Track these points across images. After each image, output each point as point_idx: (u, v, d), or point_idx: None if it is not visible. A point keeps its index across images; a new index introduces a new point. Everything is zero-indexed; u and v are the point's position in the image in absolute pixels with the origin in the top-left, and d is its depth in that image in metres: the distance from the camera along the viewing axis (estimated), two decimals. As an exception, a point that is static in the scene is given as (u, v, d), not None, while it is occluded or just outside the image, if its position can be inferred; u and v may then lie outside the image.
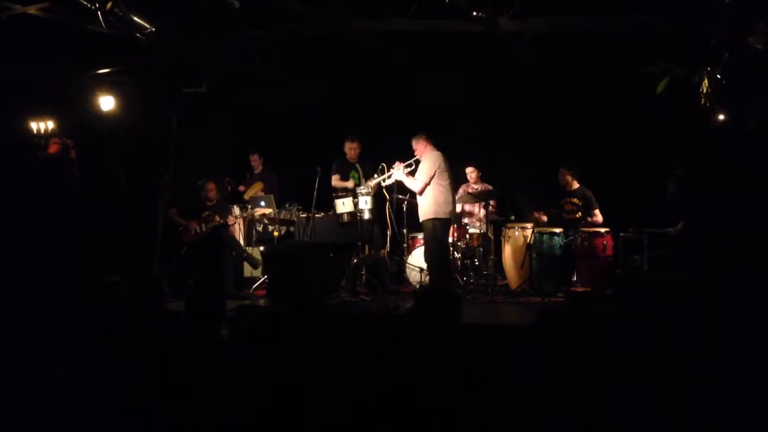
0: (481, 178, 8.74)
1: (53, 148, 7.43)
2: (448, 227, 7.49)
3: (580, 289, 6.96)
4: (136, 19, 6.20)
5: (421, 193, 7.31)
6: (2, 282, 5.96)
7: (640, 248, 7.57)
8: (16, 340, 3.84)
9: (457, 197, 8.23)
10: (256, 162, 9.59)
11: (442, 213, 7.22)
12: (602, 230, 7.60)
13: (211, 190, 8.20)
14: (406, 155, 7.62)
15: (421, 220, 7.43)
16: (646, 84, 5.86)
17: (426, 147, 7.38)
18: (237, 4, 5.97)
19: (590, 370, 4.24)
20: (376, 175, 7.76)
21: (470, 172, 8.71)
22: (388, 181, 7.70)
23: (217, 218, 8.02)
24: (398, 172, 7.47)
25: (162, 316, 4.11)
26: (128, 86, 8.91)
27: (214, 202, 8.23)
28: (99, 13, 5.85)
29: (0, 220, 6.55)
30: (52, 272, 6.36)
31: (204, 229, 8.02)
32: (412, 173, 7.47)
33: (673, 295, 5.13)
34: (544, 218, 8.14)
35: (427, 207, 7.24)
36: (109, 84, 8.78)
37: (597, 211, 7.88)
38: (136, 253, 8.09)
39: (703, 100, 5.77)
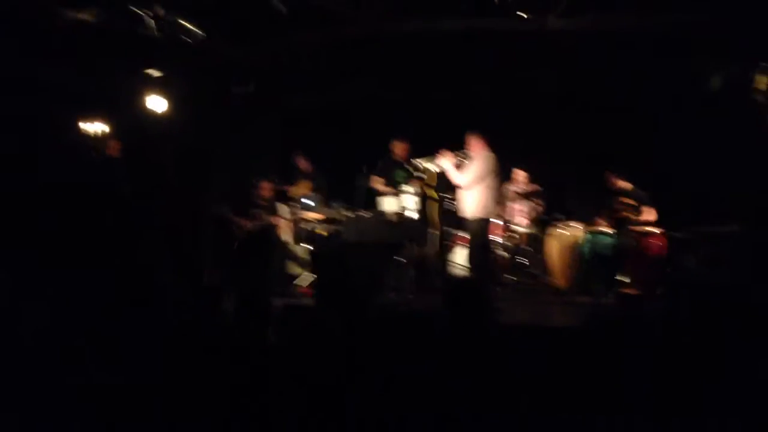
0: (530, 180, 8.64)
1: (113, 150, 7.63)
2: (490, 227, 7.42)
3: (630, 291, 6.84)
4: (186, 24, 6.29)
5: (466, 188, 7.21)
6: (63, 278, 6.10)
7: (693, 248, 7.40)
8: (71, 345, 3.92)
9: (506, 196, 8.20)
10: (303, 164, 9.64)
11: (488, 213, 7.19)
12: (654, 230, 7.45)
13: (266, 189, 8.34)
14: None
15: (467, 217, 7.33)
16: (702, 82, 5.75)
17: (483, 147, 7.26)
18: (284, 9, 6.00)
19: (637, 374, 4.17)
20: (421, 160, 7.69)
21: (518, 175, 8.63)
22: (434, 167, 7.64)
23: (267, 217, 8.13)
24: (446, 162, 7.34)
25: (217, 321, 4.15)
26: (178, 87, 9.04)
27: (267, 201, 8.35)
28: (152, 19, 5.94)
29: (65, 221, 6.71)
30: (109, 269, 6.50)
31: (253, 227, 8.13)
32: (461, 167, 7.33)
33: (722, 298, 5.00)
34: (605, 224, 7.98)
35: (476, 206, 7.16)
36: (160, 85, 8.91)
37: (650, 210, 7.71)
38: (188, 252, 8.23)
39: (758, 96, 5.63)
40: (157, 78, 8.96)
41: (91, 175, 7.29)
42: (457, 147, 7.38)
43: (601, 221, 7.98)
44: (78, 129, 7.92)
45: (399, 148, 8.29)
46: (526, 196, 8.08)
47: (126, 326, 4.15)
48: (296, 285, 8.13)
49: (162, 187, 8.75)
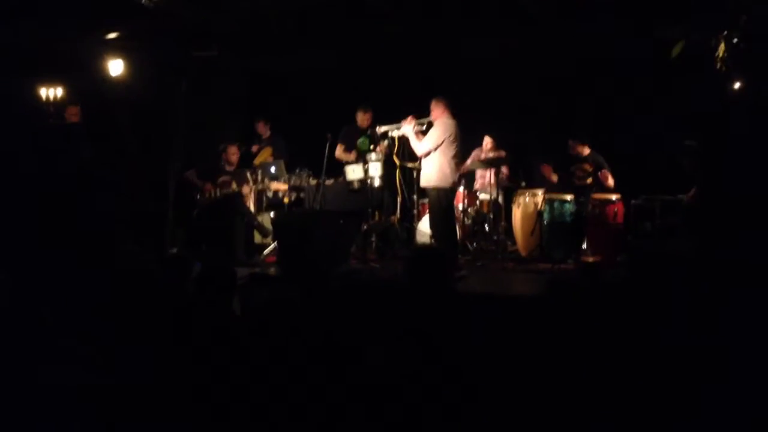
0: (496, 145, 8.66)
1: (72, 116, 7.45)
2: (453, 195, 7.32)
3: (590, 259, 6.95)
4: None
5: (424, 156, 7.10)
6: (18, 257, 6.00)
7: (652, 215, 7.53)
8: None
9: (468, 162, 8.19)
10: (262, 128, 9.58)
11: (446, 182, 7.00)
12: (613, 197, 7.55)
13: (234, 153, 8.24)
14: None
15: (423, 186, 7.30)
16: (662, 48, 5.78)
17: (443, 112, 7.09)
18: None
19: (599, 342, 4.24)
20: (386, 126, 7.56)
21: (487, 142, 8.63)
22: (396, 133, 7.50)
23: (234, 186, 8.04)
24: (408, 127, 7.20)
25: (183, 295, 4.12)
26: (138, 51, 8.84)
27: (234, 167, 8.24)
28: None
29: (10, 191, 6.55)
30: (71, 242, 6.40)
31: (218, 194, 8.04)
32: (424, 134, 7.23)
33: (682, 267, 5.10)
34: (554, 177, 8.08)
35: (431, 174, 7.05)
36: (118, 48, 8.70)
37: (609, 175, 7.81)
38: (149, 219, 8.12)
39: (719, 64, 5.68)
40: (117, 41, 8.77)
41: (49, 142, 7.11)
42: (424, 114, 7.26)
43: (552, 176, 8.05)
44: (34, 94, 7.71)
45: (362, 117, 8.25)
46: (489, 162, 8.07)
47: (87, 297, 4.10)
48: (263, 255, 8.10)
49: (122, 152, 8.59)
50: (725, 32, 5.65)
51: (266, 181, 8.38)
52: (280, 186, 8.41)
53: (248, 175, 8.41)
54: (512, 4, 7.60)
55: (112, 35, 8.59)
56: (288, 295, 3.54)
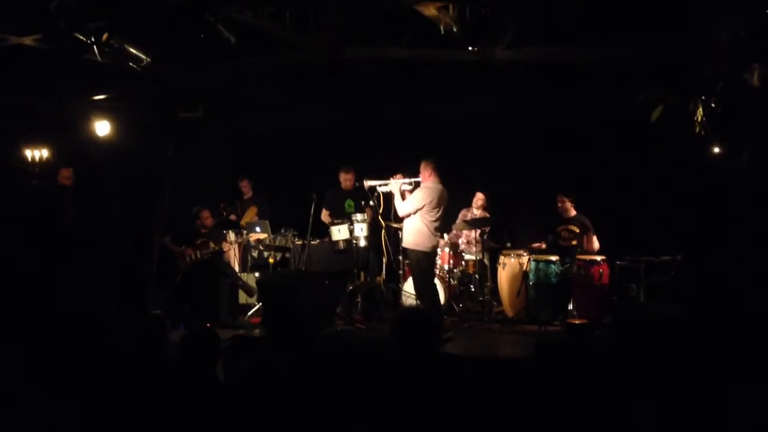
0: (486, 204, 8.70)
1: (66, 181, 7.46)
2: (432, 258, 7.27)
3: (576, 320, 6.93)
4: (131, 50, 6.19)
5: (403, 218, 7.12)
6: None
7: (637, 277, 7.57)
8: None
9: (455, 223, 8.23)
10: (245, 187, 9.61)
11: (423, 246, 6.97)
12: (598, 258, 7.58)
13: (207, 217, 8.18)
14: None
15: (403, 246, 7.30)
16: (642, 112, 5.89)
17: (430, 176, 7.08)
18: (233, 40, 5.97)
19: (588, 402, 4.21)
20: (374, 181, 7.55)
21: (478, 199, 8.67)
22: (383, 189, 7.50)
23: (212, 245, 7.98)
24: (395, 184, 7.22)
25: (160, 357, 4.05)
26: (124, 112, 8.89)
27: (209, 229, 8.20)
28: (94, 45, 5.84)
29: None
30: (46, 296, 6.34)
31: (199, 257, 7.98)
32: (411, 193, 7.21)
33: (668, 329, 5.12)
34: (542, 245, 8.11)
35: (410, 236, 7.06)
36: (105, 110, 8.75)
37: (594, 238, 7.86)
38: (133, 281, 8.05)
39: (697, 128, 5.79)
40: (103, 103, 8.82)
41: (31, 204, 7.08)
42: (414, 173, 7.27)
43: (541, 245, 8.09)
44: (17, 153, 7.71)
45: (344, 178, 8.27)
46: (474, 223, 8.11)
47: (67, 358, 4.02)
48: (248, 316, 8.02)
49: (107, 213, 8.55)
50: (702, 97, 5.77)
51: (244, 234, 8.37)
52: (262, 236, 8.39)
53: (231, 233, 8.38)
54: (493, 68, 7.75)
55: (99, 96, 8.65)
56: (273, 359, 3.47)
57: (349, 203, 8.24)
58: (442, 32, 6.48)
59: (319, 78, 9.02)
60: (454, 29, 6.49)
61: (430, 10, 6.31)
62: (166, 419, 3.31)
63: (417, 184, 7.21)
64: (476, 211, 8.66)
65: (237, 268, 8.64)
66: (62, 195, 7.52)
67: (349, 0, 6.78)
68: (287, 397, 3.05)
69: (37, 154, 7.59)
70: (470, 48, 6.65)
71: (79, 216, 7.49)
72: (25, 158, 7.55)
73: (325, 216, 8.23)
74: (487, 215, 8.57)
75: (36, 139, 7.71)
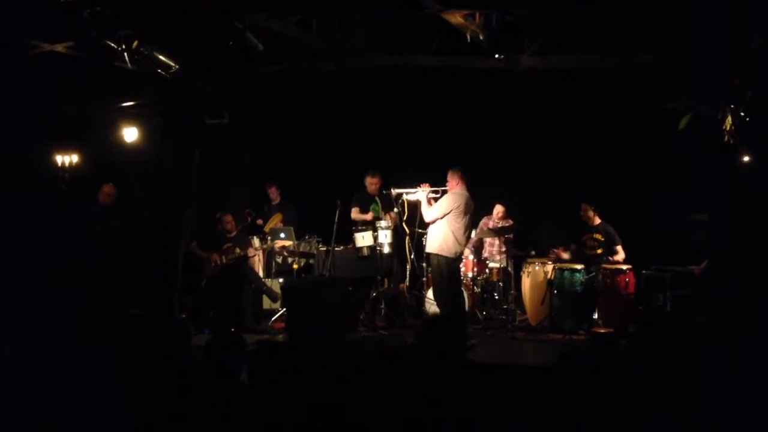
0: (506, 214, 8.65)
1: (107, 198, 7.54)
2: (456, 266, 7.16)
3: (601, 330, 6.88)
4: (160, 57, 6.30)
5: (430, 223, 7.11)
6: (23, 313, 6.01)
7: (662, 286, 7.50)
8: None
9: (477, 231, 8.20)
10: (274, 194, 9.65)
11: (447, 252, 6.92)
12: (624, 267, 7.52)
13: (229, 222, 8.24)
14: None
15: (426, 251, 7.29)
16: (669, 120, 5.84)
17: (457, 184, 7.05)
18: (260, 47, 6.04)
19: (612, 413, 4.18)
20: (401, 189, 7.56)
21: (498, 212, 8.62)
22: (411, 197, 7.49)
23: (237, 250, 8.05)
24: (422, 194, 7.22)
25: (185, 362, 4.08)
26: (151, 118, 9.01)
27: (233, 234, 8.26)
28: (125, 52, 5.94)
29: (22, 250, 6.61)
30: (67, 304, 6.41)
31: (224, 261, 8.05)
32: (432, 201, 7.21)
33: (696, 339, 5.07)
34: (565, 255, 8.07)
35: (434, 241, 7.03)
36: (133, 116, 8.87)
37: (619, 248, 7.81)
38: (158, 287, 8.13)
39: (726, 137, 5.74)
40: (130, 108, 8.94)
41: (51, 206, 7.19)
42: (441, 183, 7.23)
43: (562, 254, 8.05)
44: (47, 158, 7.84)
45: (370, 182, 8.30)
46: (497, 231, 8.09)
47: (91, 361, 4.08)
48: (271, 321, 8.06)
49: (135, 218, 8.66)
50: (731, 105, 5.72)
51: (269, 240, 8.41)
52: (287, 243, 8.43)
53: (253, 238, 8.40)
54: (518, 77, 7.75)
55: (128, 103, 8.77)
56: (298, 364, 3.49)
57: (375, 207, 8.27)
58: (469, 40, 6.51)
59: (344, 85, 9.07)
60: (481, 37, 6.51)
61: (456, 18, 6.34)
62: (191, 422, 3.33)
63: (443, 194, 7.20)
64: (498, 221, 8.62)
65: (261, 274, 8.68)
66: (105, 212, 7.60)
67: (375, 8, 6.83)
68: (312, 401, 3.06)
69: (67, 159, 7.70)
70: (496, 56, 6.65)
71: (114, 228, 7.55)
72: (55, 163, 7.66)
73: (355, 213, 8.24)
74: (510, 222, 8.53)
75: (66, 145, 7.82)
